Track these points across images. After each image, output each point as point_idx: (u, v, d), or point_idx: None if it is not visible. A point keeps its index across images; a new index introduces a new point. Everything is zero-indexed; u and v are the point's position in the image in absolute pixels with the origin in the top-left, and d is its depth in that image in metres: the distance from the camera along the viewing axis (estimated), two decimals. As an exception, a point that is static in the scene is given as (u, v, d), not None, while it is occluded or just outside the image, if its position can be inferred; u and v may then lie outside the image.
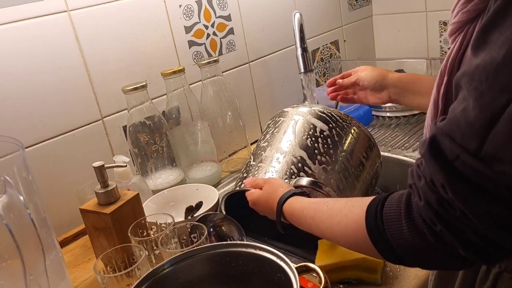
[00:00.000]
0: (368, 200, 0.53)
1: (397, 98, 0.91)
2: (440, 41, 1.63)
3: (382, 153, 0.95)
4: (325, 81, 1.62)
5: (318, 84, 1.57)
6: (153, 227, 0.79)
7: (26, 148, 0.93)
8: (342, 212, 0.57)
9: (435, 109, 0.53)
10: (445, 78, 0.51)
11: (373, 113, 1.38)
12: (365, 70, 0.95)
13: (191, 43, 1.20)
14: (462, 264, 0.46)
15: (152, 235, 0.77)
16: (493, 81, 0.38)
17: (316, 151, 0.82)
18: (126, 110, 1.05)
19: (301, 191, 0.72)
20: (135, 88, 1.00)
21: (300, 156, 0.82)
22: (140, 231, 0.78)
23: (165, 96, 1.11)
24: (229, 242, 0.69)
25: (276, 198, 0.71)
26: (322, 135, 0.84)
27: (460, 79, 0.43)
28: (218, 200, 0.91)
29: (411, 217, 0.47)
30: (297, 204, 0.68)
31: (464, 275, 0.55)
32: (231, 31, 1.28)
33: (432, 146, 0.43)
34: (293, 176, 0.80)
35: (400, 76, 0.92)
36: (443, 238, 0.44)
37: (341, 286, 0.71)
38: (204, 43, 1.22)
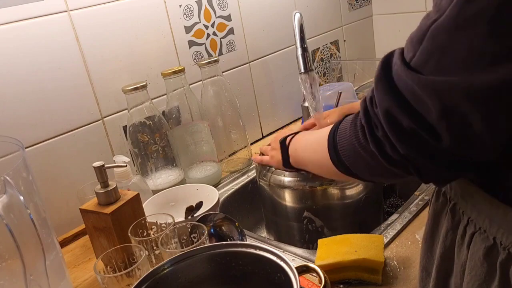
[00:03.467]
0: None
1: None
2: (440, 41, 1.63)
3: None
4: (325, 81, 1.62)
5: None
6: (153, 227, 0.79)
7: (26, 148, 0.93)
8: (319, 132, 0.66)
9: None
10: None
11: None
12: (333, 114, 0.98)
13: (191, 43, 1.20)
14: (384, 169, 0.50)
15: (152, 235, 0.77)
16: (438, 2, 0.42)
17: None
18: (126, 110, 1.05)
19: None
20: (135, 88, 1.00)
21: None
22: (140, 231, 0.78)
23: (165, 96, 1.11)
24: (229, 242, 0.69)
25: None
26: None
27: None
28: (218, 200, 0.91)
29: (355, 118, 0.54)
30: (302, 136, 0.79)
31: (444, 237, 0.55)
32: (231, 31, 1.28)
33: (385, 57, 0.48)
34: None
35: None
36: (364, 131, 0.50)
37: (341, 286, 0.71)
38: (204, 43, 1.22)
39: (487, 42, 0.38)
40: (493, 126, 0.41)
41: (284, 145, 0.82)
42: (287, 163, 0.82)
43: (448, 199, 0.55)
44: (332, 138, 0.59)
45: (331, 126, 0.62)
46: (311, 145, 0.73)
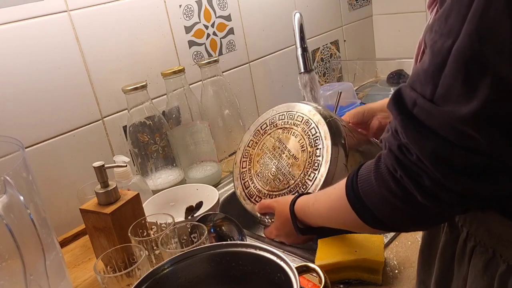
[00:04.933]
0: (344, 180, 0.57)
1: (386, 122, 0.92)
2: (440, 41, 1.63)
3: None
4: (325, 81, 1.62)
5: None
6: (153, 227, 0.79)
7: (26, 148, 0.93)
8: (332, 189, 0.60)
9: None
10: (423, 46, 0.51)
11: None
12: (350, 114, 0.95)
13: (191, 43, 1.20)
14: (429, 217, 0.48)
15: (152, 235, 0.77)
16: (444, 27, 0.40)
17: None
18: (126, 110, 1.05)
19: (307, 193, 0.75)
20: (135, 88, 1.00)
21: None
22: (140, 231, 0.78)
23: (165, 96, 1.11)
24: (229, 242, 0.69)
25: (288, 209, 0.74)
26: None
27: (425, 36, 0.45)
28: (218, 200, 0.91)
29: (378, 170, 0.49)
30: (304, 199, 0.72)
31: (443, 250, 0.55)
32: (231, 31, 1.28)
33: (395, 97, 0.45)
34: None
35: (383, 102, 0.94)
36: (403, 184, 0.46)
37: (341, 286, 0.71)
38: (204, 43, 1.22)
39: None
40: None
41: (292, 213, 0.74)
42: (298, 229, 0.74)
43: None
44: (354, 195, 0.53)
45: (342, 182, 0.57)
46: (325, 202, 0.65)
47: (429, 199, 0.45)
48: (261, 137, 0.91)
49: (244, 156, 0.93)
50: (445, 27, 0.40)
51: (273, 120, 0.90)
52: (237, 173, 0.93)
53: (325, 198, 0.64)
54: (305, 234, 0.74)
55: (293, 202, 0.73)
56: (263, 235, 0.89)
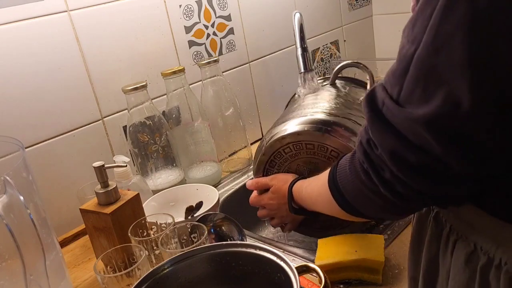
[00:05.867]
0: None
1: None
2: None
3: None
4: (325, 81, 1.62)
5: (318, 84, 1.57)
6: (153, 227, 0.79)
7: (26, 148, 0.93)
8: (322, 176, 0.63)
9: None
10: None
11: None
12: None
13: (191, 43, 1.20)
14: (395, 208, 0.50)
15: (152, 235, 0.77)
16: (410, 34, 0.43)
17: None
18: (126, 110, 1.05)
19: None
20: (135, 88, 1.00)
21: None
22: (140, 231, 0.78)
23: (165, 96, 1.11)
24: (229, 242, 0.69)
25: (286, 187, 0.78)
26: None
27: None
28: (218, 200, 0.91)
29: (353, 161, 0.53)
30: (300, 182, 0.76)
31: (428, 245, 0.56)
32: (231, 31, 1.28)
33: (369, 95, 0.48)
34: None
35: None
36: (369, 175, 0.49)
37: (341, 286, 0.71)
38: (204, 43, 1.22)
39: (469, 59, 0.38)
40: (499, 138, 0.41)
41: (290, 193, 0.78)
42: (291, 208, 0.78)
43: (431, 208, 0.56)
44: (333, 183, 0.58)
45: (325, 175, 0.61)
46: (314, 188, 0.70)
47: (389, 191, 0.48)
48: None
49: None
50: (411, 34, 0.42)
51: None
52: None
53: (315, 184, 0.68)
54: (298, 214, 0.78)
55: (293, 183, 0.78)
56: (263, 235, 0.89)
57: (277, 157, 0.85)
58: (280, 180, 0.83)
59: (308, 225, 0.88)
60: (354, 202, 0.55)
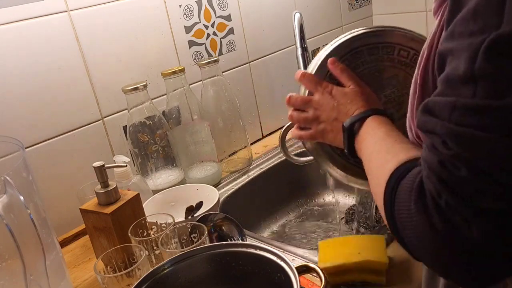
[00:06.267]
0: (399, 159, 0.47)
1: None
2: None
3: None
4: (325, 81, 1.62)
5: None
6: (153, 227, 0.79)
7: (26, 148, 0.93)
8: (386, 155, 0.51)
9: (414, 87, 0.49)
10: (425, 52, 0.47)
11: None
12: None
13: (191, 43, 1.20)
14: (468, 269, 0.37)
15: (152, 235, 0.77)
16: (473, 26, 0.35)
17: None
18: (126, 110, 1.05)
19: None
20: (135, 88, 1.00)
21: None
22: (140, 231, 0.78)
23: (165, 96, 1.11)
24: (229, 242, 0.69)
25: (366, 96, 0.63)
26: None
27: (443, 46, 0.40)
28: (218, 200, 0.91)
29: (420, 195, 0.39)
30: (376, 127, 0.59)
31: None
32: (231, 31, 1.28)
33: (424, 109, 0.39)
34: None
35: None
36: (449, 215, 0.36)
37: (344, 288, 0.71)
38: (204, 43, 1.22)
39: None
40: None
41: (351, 132, 0.62)
42: (351, 151, 0.63)
43: None
44: (389, 206, 0.45)
45: (391, 162, 0.48)
46: (375, 160, 0.55)
47: (486, 224, 0.34)
48: None
49: None
50: (474, 25, 0.36)
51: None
52: None
53: (379, 157, 0.54)
54: (348, 144, 0.62)
55: (374, 111, 0.61)
56: (263, 235, 0.89)
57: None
58: (364, 86, 0.66)
59: (333, 153, 0.74)
60: (412, 243, 0.43)
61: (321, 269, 0.59)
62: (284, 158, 1.22)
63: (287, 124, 0.82)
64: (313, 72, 0.73)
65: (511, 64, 0.33)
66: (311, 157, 0.81)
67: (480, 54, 0.34)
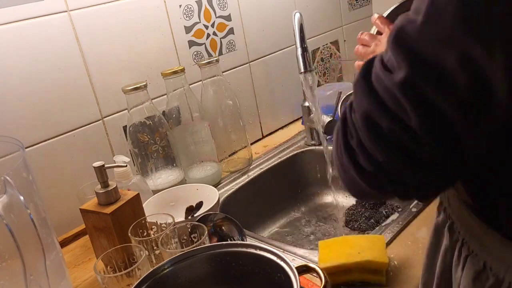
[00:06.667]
0: None
1: None
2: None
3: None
4: (325, 81, 1.62)
5: (318, 84, 1.57)
6: (153, 227, 0.79)
7: (26, 148, 0.93)
8: None
9: None
10: None
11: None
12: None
13: (191, 43, 1.20)
14: (356, 185, 0.46)
15: (152, 235, 0.77)
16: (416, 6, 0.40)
17: None
18: (126, 110, 1.05)
19: None
20: (135, 88, 1.00)
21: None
22: (140, 231, 0.78)
23: (165, 96, 1.11)
24: (229, 242, 0.69)
25: None
26: None
27: None
28: (218, 200, 0.91)
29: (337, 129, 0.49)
30: None
31: (443, 254, 0.55)
32: (231, 31, 1.28)
33: (367, 61, 0.45)
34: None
35: None
36: (339, 142, 0.46)
37: None
38: (204, 43, 1.22)
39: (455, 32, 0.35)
40: (475, 130, 0.39)
41: None
42: None
43: (448, 216, 0.54)
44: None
45: None
46: None
47: (352, 163, 0.44)
48: None
49: None
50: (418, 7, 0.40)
51: None
52: None
53: None
54: None
55: None
56: (263, 235, 0.89)
57: None
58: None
59: None
60: (339, 173, 0.50)
61: (321, 269, 0.59)
62: (284, 158, 1.23)
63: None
64: (385, 15, 0.89)
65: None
66: None
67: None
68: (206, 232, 0.71)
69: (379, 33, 0.85)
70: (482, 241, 0.48)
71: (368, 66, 0.44)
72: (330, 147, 1.22)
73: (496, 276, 0.46)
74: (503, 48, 0.35)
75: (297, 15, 1.04)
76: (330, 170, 1.06)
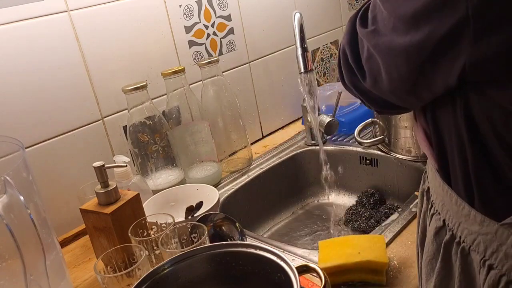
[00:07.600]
0: None
1: None
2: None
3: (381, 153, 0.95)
4: (325, 81, 1.62)
5: (318, 84, 1.57)
6: (153, 227, 0.79)
7: (26, 148, 0.93)
8: None
9: None
10: None
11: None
12: None
13: (191, 43, 1.20)
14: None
15: (153, 235, 0.77)
16: None
17: None
18: (126, 110, 1.05)
19: None
20: (135, 88, 1.00)
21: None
22: (141, 231, 0.78)
23: (165, 96, 1.11)
24: (229, 242, 0.69)
25: None
26: None
27: None
28: (218, 200, 0.91)
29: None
30: None
31: (422, 218, 0.59)
32: (231, 31, 1.28)
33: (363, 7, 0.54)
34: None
35: None
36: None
37: None
38: (204, 43, 1.22)
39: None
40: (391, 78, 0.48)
41: None
42: None
43: (426, 182, 0.61)
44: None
45: None
46: None
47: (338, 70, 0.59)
48: None
49: None
50: None
51: None
52: None
53: None
54: None
55: None
56: (263, 235, 0.89)
57: None
58: None
59: None
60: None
61: (321, 269, 0.59)
62: (284, 158, 1.23)
63: None
64: None
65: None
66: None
67: None
68: (206, 232, 0.71)
69: None
70: (444, 201, 0.53)
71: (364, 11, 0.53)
72: (326, 147, 1.23)
73: (451, 231, 0.51)
74: None
75: (297, 15, 1.04)
76: (324, 170, 1.07)
